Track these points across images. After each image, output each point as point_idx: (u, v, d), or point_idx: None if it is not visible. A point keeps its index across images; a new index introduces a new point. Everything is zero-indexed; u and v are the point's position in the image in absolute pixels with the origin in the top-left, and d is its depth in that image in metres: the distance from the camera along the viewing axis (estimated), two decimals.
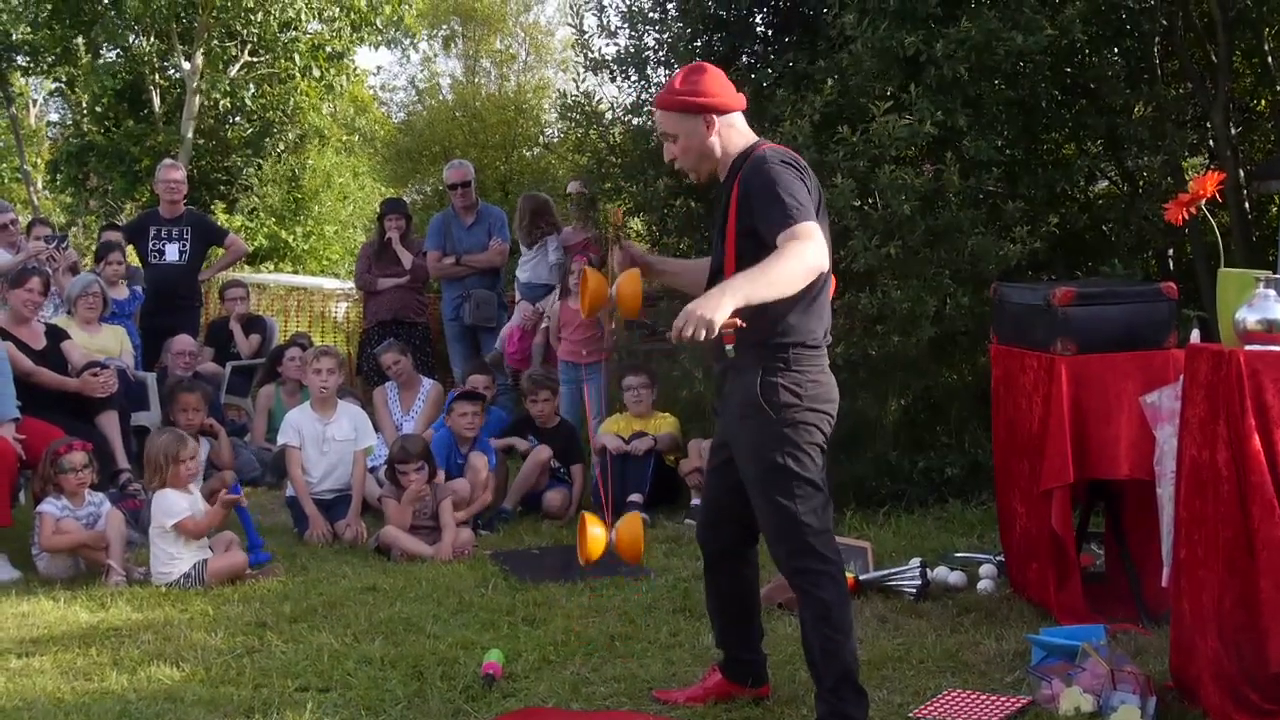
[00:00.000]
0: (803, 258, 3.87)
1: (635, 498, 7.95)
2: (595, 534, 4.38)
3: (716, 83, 4.24)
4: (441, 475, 7.59)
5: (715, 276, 4.24)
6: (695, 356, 7.77)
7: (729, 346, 4.12)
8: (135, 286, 10.10)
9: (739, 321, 3.79)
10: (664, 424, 8.35)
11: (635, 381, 8.35)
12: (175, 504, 6.55)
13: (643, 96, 8.85)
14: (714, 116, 4.20)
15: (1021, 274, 7.79)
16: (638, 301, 4.27)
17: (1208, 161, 9.23)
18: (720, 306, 3.72)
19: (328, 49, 22.46)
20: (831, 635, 4.16)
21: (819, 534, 4.17)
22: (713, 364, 4.42)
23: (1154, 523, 5.11)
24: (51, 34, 21.78)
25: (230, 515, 6.80)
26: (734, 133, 4.26)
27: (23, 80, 27.38)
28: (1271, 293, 4.20)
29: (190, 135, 21.28)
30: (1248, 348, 4.17)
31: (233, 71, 21.82)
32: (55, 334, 8.33)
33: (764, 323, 4.09)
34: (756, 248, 3.98)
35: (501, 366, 9.98)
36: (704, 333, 3.70)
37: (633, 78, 9.09)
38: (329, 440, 7.76)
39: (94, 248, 12.63)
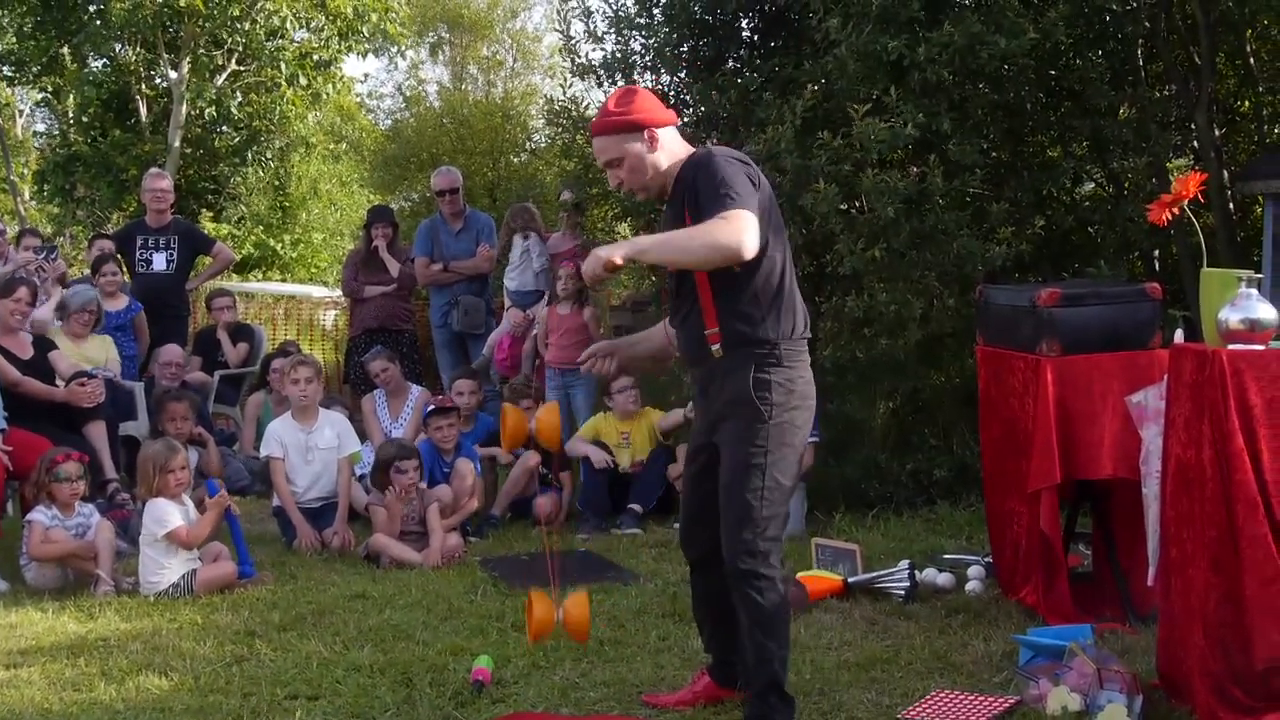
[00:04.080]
0: (711, 232, 3.93)
1: (635, 507, 7.96)
2: (541, 614, 4.36)
3: (649, 101, 4.28)
4: (425, 484, 7.60)
5: (682, 284, 4.27)
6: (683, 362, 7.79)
7: (715, 346, 4.15)
8: (134, 301, 10.06)
9: (618, 262, 3.93)
10: (649, 420, 8.35)
11: (625, 383, 8.34)
12: (168, 513, 6.54)
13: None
14: (654, 130, 4.23)
15: (1007, 276, 7.82)
16: (556, 433, 4.51)
17: (1192, 163, 9.27)
18: (615, 250, 3.94)
19: (315, 57, 22.44)
20: (764, 643, 4.18)
21: (774, 541, 4.19)
22: (694, 367, 4.42)
23: (1140, 523, 5.13)
24: (37, 44, 21.74)
25: (222, 526, 6.79)
26: (672, 145, 4.29)
27: (8, 90, 27.36)
28: (1254, 292, 4.22)
29: (177, 144, 21.24)
30: (1231, 347, 4.19)
31: (219, 80, 21.79)
32: (42, 344, 8.31)
33: (749, 321, 4.14)
34: None
35: (489, 373, 9.98)
36: (602, 270, 3.91)
37: (619, 83, 9.11)
38: (313, 449, 7.75)
39: (82, 257, 12.62)
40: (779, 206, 4.33)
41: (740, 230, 3.93)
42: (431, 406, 8.23)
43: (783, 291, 4.19)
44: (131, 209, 20.40)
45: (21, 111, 31.24)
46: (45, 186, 23.19)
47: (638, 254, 3.99)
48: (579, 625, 4.40)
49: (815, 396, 4.36)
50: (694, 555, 4.58)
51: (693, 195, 4.12)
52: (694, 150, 4.31)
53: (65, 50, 21.66)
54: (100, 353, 9.09)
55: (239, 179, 22.08)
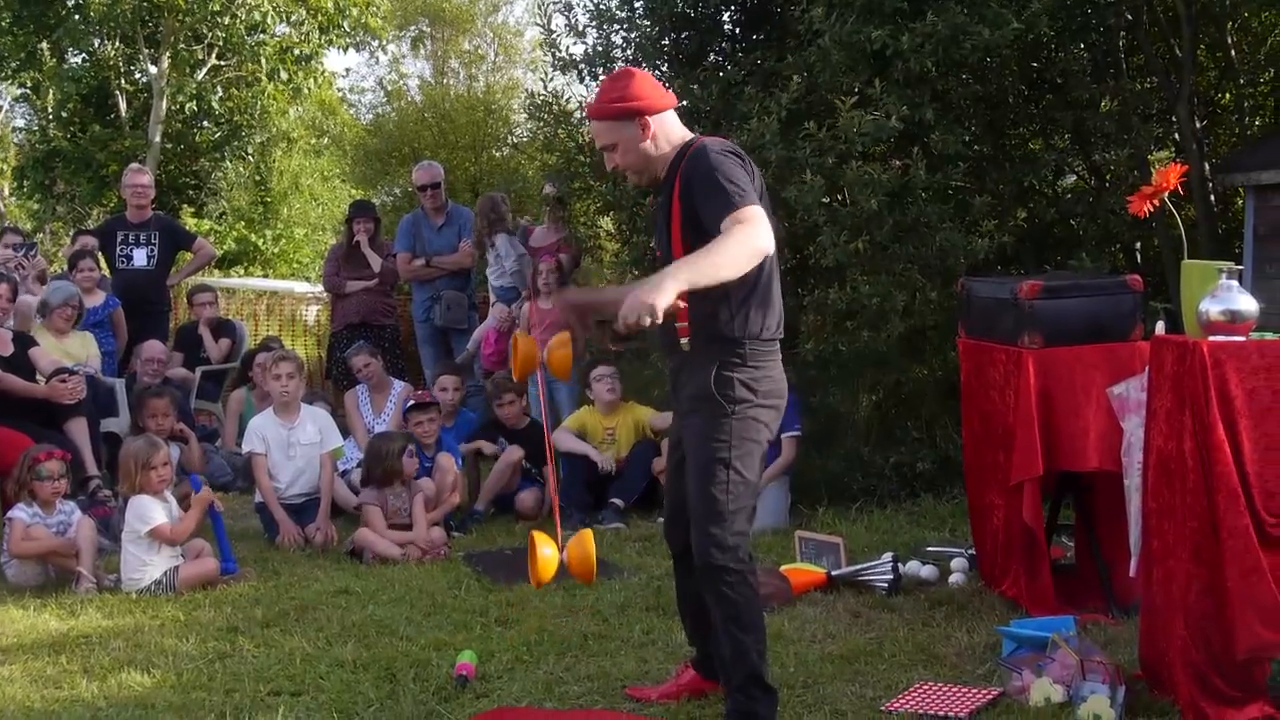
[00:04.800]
0: (746, 240, 3.89)
1: (617, 502, 7.95)
2: (546, 554, 4.25)
3: (645, 85, 4.25)
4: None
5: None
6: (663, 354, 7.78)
7: (684, 340, 4.13)
8: (112, 297, 10.03)
9: (680, 304, 3.80)
10: (638, 414, 8.33)
11: (605, 371, 8.30)
12: (151, 510, 6.51)
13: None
14: (648, 118, 4.20)
15: (990, 268, 7.83)
16: (568, 364, 4.27)
17: (1173, 155, 9.29)
18: (663, 291, 3.72)
19: (296, 52, 22.37)
20: (740, 636, 4.17)
21: (742, 535, 4.17)
22: (668, 355, 4.41)
23: (1122, 514, 5.13)
24: (15, 39, 21.63)
25: (205, 523, 6.77)
26: (669, 130, 4.26)
27: None
28: (1234, 284, 4.23)
29: (157, 139, 21.17)
30: (1211, 338, 4.19)
31: (200, 75, 21.72)
32: (23, 341, 8.27)
33: (717, 318, 4.13)
34: (703, 239, 3.97)
35: (473, 368, 9.97)
36: (649, 319, 3.70)
37: (601, 77, 9.10)
38: (295, 445, 7.73)
39: (62, 254, 12.57)
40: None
41: (763, 229, 3.92)
42: (411, 402, 8.22)
43: (757, 289, 4.16)
44: (112, 205, 20.32)
45: (0, 107, 31.09)
46: (25, 182, 23.12)
47: (690, 284, 3.79)
48: (583, 563, 4.23)
49: (786, 395, 4.33)
50: (677, 548, 4.57)
51: (687, 189, 4.11)
52: (690, 138, 4.29)
53: (44, 45, 21.54)
54: (81, 349, 9.06)
55: (220, 174, 22.01)
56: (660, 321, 3.74)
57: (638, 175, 4.36)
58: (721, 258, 3.85)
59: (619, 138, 4.24)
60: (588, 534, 4.28)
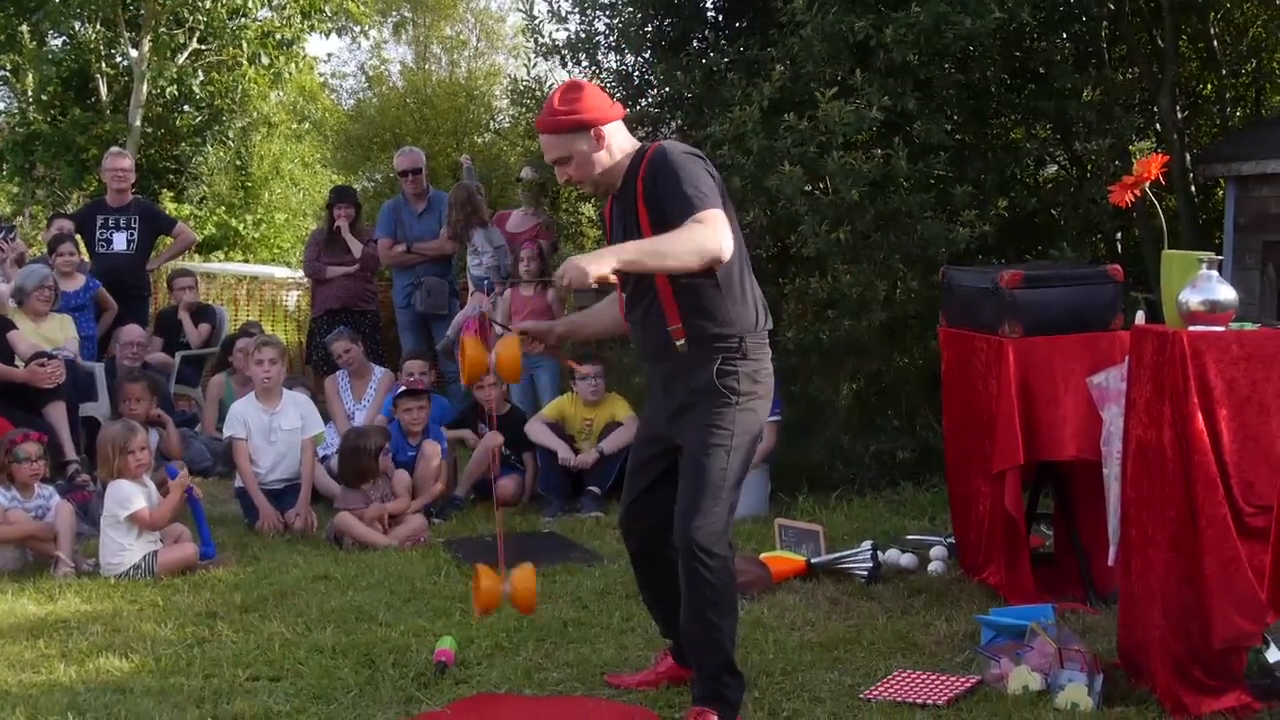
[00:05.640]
0: (697, 239, 3.94)
1: (594, 490, 7.94)
2: (487, 587, 4.33)
3: (596, 97, 4.25)
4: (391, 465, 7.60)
5: (640, 280, 4.24)
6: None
7: (680, 342, 4.15)
8: (92, 279, 9.99)
9: (613, 277, 3.89)
10: (616, 409, 8.31)
11: (590, 371, 8.30)
12: (130, 495, 6.49)
13: (593, 82, 8.84)
14: (601, 128, 4.20)
15: (971, 258, 7.84)
16: (516, 365, 4.33)
17: (1155, 145, 9.31)
18: (601, 261, 3.84)
19: (277, 36, 22.26)
20: (716, 622, 4.20)
21: (726, 524, 4.20)
22: (655, 364, 4.39)
23: (1101, 503, 5.14)
24: None
25: (184, 509, 6.75)
26: (619, 140, 4.26)
27: None
28: (1214, 274, 4.25)
29: (138, 124, 21.02)
30: (1191, 329, 4.21)
31: (180, 59, 21.58)
32: (1, 324, 8.24)
33: (714, 316, 4.16)
34: None
35: (453, 354, 9.94)
36: (580, 283, 3.82)
37: (584, 63, 9.10)
38: (276, 430, 7.71)
39: (41, 237, 12.51)
40: (742, 190, 4.33)
41: (719, 233, 3.97)
42: (402, 388, 8.20)
43: (743, 285, 4.22)
44: (92, 189, 20.19)
45: None
46: (4, 166, 22.94)
47: (625, 264, 3.91)
48: (525, 596, 4.38)
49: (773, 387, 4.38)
50: (635, 541, 4.60)
51: (651, 190, 4.12)
52: (641, 144, 4.30)
53: (24, 28, 21.37)
54: (59, 332, 9.02)
55: (200, 159, 21.89)
56: (593, 286, 3.87)
57: (593, 186, 4.33)
58: (668, 249, 3.94)
59: (571, 150, 4.22)
60: (529, 569, 4.41)
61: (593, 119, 4.18)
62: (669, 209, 4.04)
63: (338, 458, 7.68)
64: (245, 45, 21.74)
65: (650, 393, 4.58)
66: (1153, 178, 4.54)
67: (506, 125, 16.22)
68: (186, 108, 22.75)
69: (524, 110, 9.99)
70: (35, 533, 6.67)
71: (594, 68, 9.06)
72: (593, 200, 9.47)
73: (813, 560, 6.17)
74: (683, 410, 4.27)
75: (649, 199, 4.13)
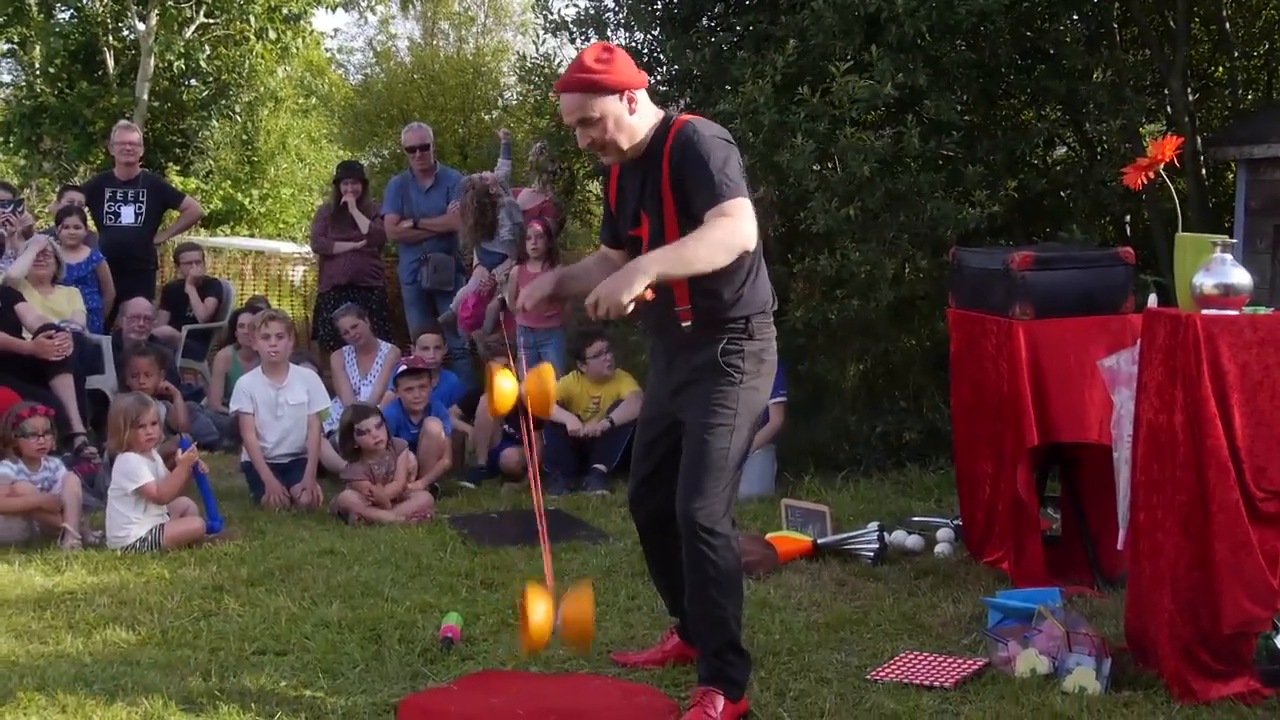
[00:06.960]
0: (724, 236, 3.90)
1: (600, 467, 7.94)
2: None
3: (627, 62, 4.15)
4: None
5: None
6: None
7: (686, 323, 4.11)
8: (96, 251, 9.98)
9: (649, 294, 3.81)
10: (622, 386, 8.30)
11: (599, 347, 8.28)
12: (137, 468, 6.50)
13: None
14: (634, 91, 4.11)
15: (980, 238, 7.81)
16: (549, 399, 4.16)
17: (1165, 127, 9.28)
18: (633, 285, 3.77)
19: (284, 11, 22.20)
20: (721, 601, 4.17)
21: (728, 503, 4.18)
22: (660, 337, 4.36)
23: (1110, 486, 5.13)
24: None
25: (190, 482, 6.75)
26: (646, 109, 4.18)
27: None
28: (1228, 257, 4.23)
29: (145, 97, 20.98)
30: (1204, 312, 4.20)
31: (188, 33, 21.53)
32: (8, 296, 8.24)
33: (721, 297, 4.12)
34: (694, 224, 3.96)
35: (455, 328, 9.92)
36: (614, 311, 3.75)
37: (592, 39, 9.04)
38: (282, 405, 7.71)
39: (49, 210, 12.49)
40: (752, 166, 4.29)
41: (745, 226, 3.92)
42: (403, 367, 8.19)
43: (755, 266, 4.18)
44: (99, 162, 20.18)
45: None
46: (11, 138, 22.91)
47: (661, 277, 3.84)
48: (580, 631, 4.08)
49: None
50: (643, 520, 4.58)
51: (677, 174, 4.05)
52: (664, 116, 4.22)
53: (31, 1, 21.35)
54: (66, 304, 9.03)
55: (207, 133, 21.85)
56: (625, 315, 3.77)
57: (618, 152, 4.19)
58: (695, 254, 3.88)
59: (603, 110, 4.08)
60: (586, 593, 4.14)
61: (628, 81, 4.10)
62: (694, 195, 3.98)
63: (339, 434, 7.67)
64: (252, 19, 21.68)
65: (653, 368, 4.54)
66: (1167, 159, 4.52)
67: (514, 103, 16.19)
68: (193, 81, 22.71)
69: (532, 87, 9.96)
70: (42, 504, 6.68)
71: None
72: (600, 177, 9.44)
73: (819, 541, 6.16)
74: (686, 386, 4.25)
75: (674, 181, 4.06)
